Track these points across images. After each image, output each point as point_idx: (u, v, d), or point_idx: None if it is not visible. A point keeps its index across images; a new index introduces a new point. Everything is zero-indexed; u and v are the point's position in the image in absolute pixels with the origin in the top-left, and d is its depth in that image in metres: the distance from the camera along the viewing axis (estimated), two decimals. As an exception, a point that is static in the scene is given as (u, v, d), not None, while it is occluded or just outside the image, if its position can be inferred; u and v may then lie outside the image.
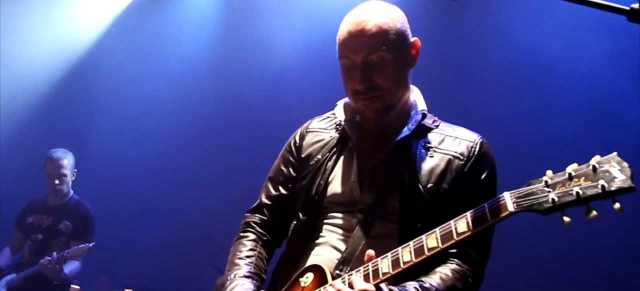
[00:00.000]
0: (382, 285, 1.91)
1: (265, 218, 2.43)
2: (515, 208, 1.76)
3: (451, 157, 2.18)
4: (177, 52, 7.60)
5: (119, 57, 7.66)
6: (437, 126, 2.29)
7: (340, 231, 2.19)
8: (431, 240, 1.88)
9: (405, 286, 1.99)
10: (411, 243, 1.91)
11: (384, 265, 1.92)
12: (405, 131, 2.20)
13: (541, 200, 1.72)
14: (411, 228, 2.04)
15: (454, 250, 2.09)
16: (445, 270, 2.07)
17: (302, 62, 6.89)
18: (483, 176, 2.15)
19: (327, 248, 2.18)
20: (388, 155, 2.18)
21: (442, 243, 1.87)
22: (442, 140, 2.24)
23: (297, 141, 2.44)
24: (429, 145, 2.22)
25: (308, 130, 2.45)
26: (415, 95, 2.34)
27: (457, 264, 2.10)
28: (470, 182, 2.09)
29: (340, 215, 2.22)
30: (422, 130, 2.25)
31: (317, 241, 2.23)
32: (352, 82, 2.17)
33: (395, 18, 2.18)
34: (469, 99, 6.24)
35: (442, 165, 2.17)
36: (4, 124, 7.26)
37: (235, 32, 7.47)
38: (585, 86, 6.07)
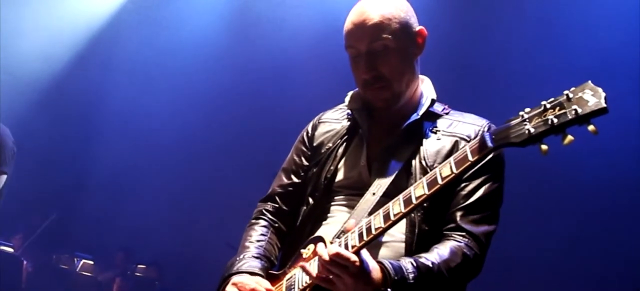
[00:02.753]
0: (362, 252, 1.91)
1: (277, 206, 2.46)
2: (494, 144, 1.80)
3: (458, 139, 2.19)
4: (190, 30, 7.58)
5: (133, 34, 7.65)
6: (447, 113, 2.31)
7: (349, 210, 2.21)
8: (418, 189, 1.91)
9: (399, 261, 1.98)
10: (400, 195, 1.94)
11: (377, 221, 1.94)
12: (415, 116, 2.23)
13: (518, 133, 1.76)
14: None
15: (453, 224, 2.10)
16: (442, 247, 2.06)
17: (314, 45, 6.85)
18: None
19: (334, 226, 2.20)
20: (397, 139, 2.22)
21: (429, 190, 1.88)
22: (450, 125, 2.26)
23: (310, 131, 2.49)
24: (437, 129, 2.25)
25: (320, 121, 2.50)
26: (426, 84, 2.36)
27: (454, 240, 2.09)
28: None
29: (349, 197, 2.25)
30: (432, 116, 2.27)
31: (325, 222, 2.26)
32: (359, 72, 2.22)
33: (398, 7, 2.22)
34: (485, 88, 6.18)
35: (449, 146, 2.18)
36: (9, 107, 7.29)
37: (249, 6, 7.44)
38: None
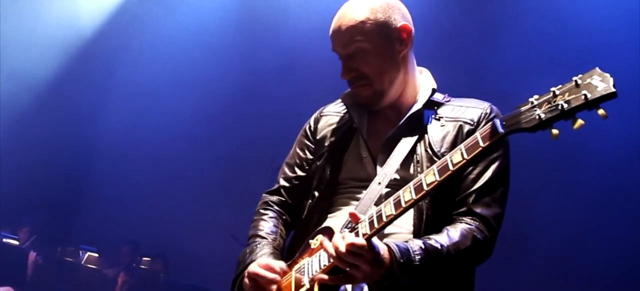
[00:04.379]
0: (373, 239, 1.91)
1: (283, 199, 2.49)
2: (505, 130, 1.82)
3: (462, 123, 2.22)
4: (196, 22, 7.57)
5: (138, 24, 7.64)
6: (448, 101, 2.34)
7: (355, 202, 2.23)
8: (429, 176, 1.91)
9: (408, 243, 2.00)
10: (410, 183, 1.94)
11: (387, 208, 1.94)
12: (416, 106, 2.27)
13: (528, 119, 1.78)
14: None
15: (463, 209, 2.12)
16: (453, 229, 2.07)
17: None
18: None
19: (340, 218, 2.21)
20: (400, 129, 2.24)
21: (440, 176, 1.89)
22: (452, 110, 2.29)
23: (312, 125, 2.52)
24: (439, 116, 2.27)
25: (322, 114, 2.53)
26: (424, 75, 2.40)
27: (465, 223, 2.10)
28: None
29: (354, 189, 2.28)
30: (433, 105, 2.31)
31: (331, 215, 2.28)
32: (342, 74, 2.28)
33: (374, 8, 2.26)
34: (501, 75, 6.17)
35: (453, 131, 2.21)
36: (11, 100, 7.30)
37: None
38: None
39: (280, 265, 2.16)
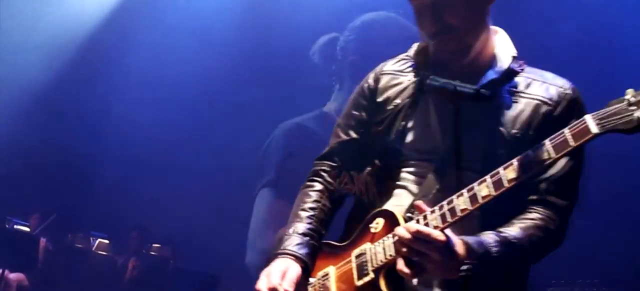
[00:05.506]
0: (448, 231, 1.83)
1: (335, 164, 2.33)
2: (599, 130, 1.69)
3: (539, 102, 2.06)
4: (200, 14, 7.57)
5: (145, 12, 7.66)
6: (522, 70, 2.14)
7: (417, 178, 2.10)
8: (510, 172, 1.81)
9: (481, 236, 1.91)
10: (487, 177, 1.84)
11: (461, 201, 1.84)
12: (492, 74, 2.08)
13: (626, 119, 1.66)
14: None
15: (535, 197, 2.01)
16: (525, 220, 1.98)
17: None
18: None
19: (402, 196, 2.09)
20: (469, 101, 1.99)
21: (523, 173, 1.79)
22: (529, 85, 2.11)
23: (371, 84, 2.30)
24: (514, 90, 2.09)
25: (383, 72, 2.31)
26: (500, 36, 2.19)
27: (538, 213, 2.00)
28: (559, 129, 1.84)
29: (418, 162, 2.13)
30: (508, 74, 2.11)
31: (393, 190, 2.15)
32: (424, 25, 2.08)
33: None
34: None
35: (528, 110, 2.05)
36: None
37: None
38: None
39: (292, 279, 2.02)
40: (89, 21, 7.56)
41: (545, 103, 2.06)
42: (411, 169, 2.14)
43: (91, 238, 6.90)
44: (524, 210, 2.02)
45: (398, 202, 2.10)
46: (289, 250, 2.13)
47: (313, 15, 6.77)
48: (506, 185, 1.81)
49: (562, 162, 1.98)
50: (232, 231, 6.35)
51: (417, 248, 1.82)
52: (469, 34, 2.09)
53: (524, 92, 2.09)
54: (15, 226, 6.30)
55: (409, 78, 2.23)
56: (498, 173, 1.83)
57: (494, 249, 1.88)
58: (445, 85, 1.92)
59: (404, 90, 2.22)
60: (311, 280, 2.12)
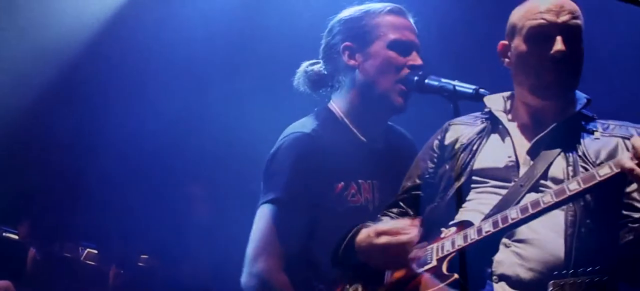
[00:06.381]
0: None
1: (403, 209, 2.43)
2: None
3: (620, 139, 2.16)
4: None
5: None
6: (596, 119, 2.28)
7: (491, 198, 2.17)
8: (603, 169, 1.87)
9: None
10: (578, 176, 1.88)
11: (547, 197, 1.88)
12: (572, 109, 2.19)
13: None
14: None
15: None
16: None
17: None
18: None
19: (473, 213, 2.16)
20: (551, 133, 2.13)
21: (616, 168, 1.84)
22: (607, 127, 2.23)
23: (440, 136, 2.44)
24: (593, 129, 2.21)
25: (450, 124, 2.45)
26: None
27: None
28: None
29: (492, 189, 2.20)
30: (586, 117, 2.24)
31: (463, 206, 2.23)
32: (550, 46, 2.14)
33: None
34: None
35: (610, 145, 2.14)
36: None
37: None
38: None
39: (405, 222, 2.06)
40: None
41: (626, 138, 2.18)
42: (485, 193, 2.23)
43: (80, 248, 6.87)
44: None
45: (470, 213, 2.19)
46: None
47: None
48: (598, 178, 1.84)
49: None
50: (220, 242, 6.35)
51: None
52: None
53: (603, 132, 2.23)
54: (3, 234, 6.27)
55: (476, 124, 2.36)
56: (590, 172, 1.87)
57: None
58: (445, 84, 2.01)
59: (471, 132, 2.35)
60: None
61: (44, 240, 6.38)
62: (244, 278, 2.79)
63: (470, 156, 2.28)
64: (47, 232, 6.60)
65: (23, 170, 7.06)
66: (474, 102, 2.16)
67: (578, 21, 2.19)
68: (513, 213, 1.91)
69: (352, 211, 2.69)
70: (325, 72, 2.82)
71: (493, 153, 2.26)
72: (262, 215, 2.72)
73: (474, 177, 2.26)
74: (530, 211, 1.91)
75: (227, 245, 5.98)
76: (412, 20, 2.58)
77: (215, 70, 7.45)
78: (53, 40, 7.35)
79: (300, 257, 2.77)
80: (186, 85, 7.57)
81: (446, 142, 2.38)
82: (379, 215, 2.45)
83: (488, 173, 2.26)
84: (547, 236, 2.12)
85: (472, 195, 2.29)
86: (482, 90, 2.04)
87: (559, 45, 2.19)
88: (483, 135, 2.32)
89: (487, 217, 2.06)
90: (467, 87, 2.02)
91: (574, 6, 2.20)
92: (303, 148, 2.53)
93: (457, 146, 2.31)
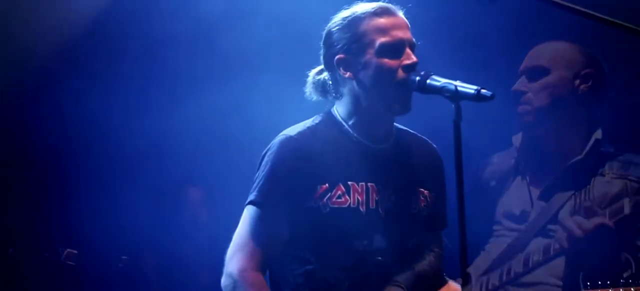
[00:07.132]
0: None
1: None
2: None
3: (627, 181, 2.14)
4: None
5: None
6: (616, 155, 2.25)
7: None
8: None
9: None
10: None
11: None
12: (580, 156, 2.16)
13: None
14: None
15: None
16: None
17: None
18: None
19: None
20: (562, 176, 2.10)
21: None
22: (621, 166, 2.21)
23: None
24: (604, 172, 2.20)
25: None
26: None
27: None
28: None
29: (505, 230, 2.23)
30: (597, 156, 2.21)
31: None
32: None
33: None
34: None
35: (616, 189, 2.12)
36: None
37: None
38: None
39: None
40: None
41: (634, 181, 2.12)
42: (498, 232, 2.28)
43: (59, 249, 6.81)
44: None
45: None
46: None
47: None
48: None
49: None
50: (204, 246, 6.30)
51: None
52: None
53: (614, 173, 2.21)
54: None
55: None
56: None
57: None
58: (447, 85, 1.99)
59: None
60: None
61: (23, 240, 6.29)
62: (222, 279, 2.85)
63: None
64: (26, 232, 6.52)
65: (2, 168, 6.98)
66: (475, 103, 2.16)
67: None
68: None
69: (338, 212, 2.70)
70: (330, 81, 2.86)
71: (509, 193, 2.40)
72: (242, 218, 2.80)
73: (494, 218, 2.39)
74: None
75: (226, 246, 5.90)
76: (401, 13, 2.54)
77: (215, 70, 7.41)
78: (41, 36, 7.32)
79: (283, 255, 2.83)
80: (186, 85, 7.53)
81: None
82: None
83: (503, 215, 2.35)
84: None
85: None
86: (483, 91, 2.03)
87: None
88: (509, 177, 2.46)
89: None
90: (469, 88, 2.02)
91: None
92: (284, 152, 2.57)
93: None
